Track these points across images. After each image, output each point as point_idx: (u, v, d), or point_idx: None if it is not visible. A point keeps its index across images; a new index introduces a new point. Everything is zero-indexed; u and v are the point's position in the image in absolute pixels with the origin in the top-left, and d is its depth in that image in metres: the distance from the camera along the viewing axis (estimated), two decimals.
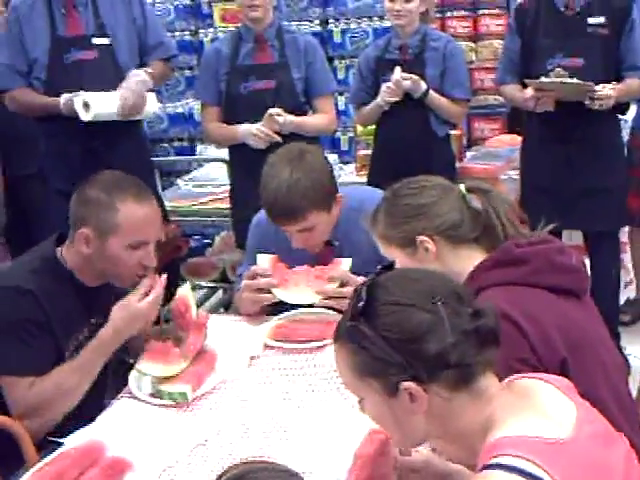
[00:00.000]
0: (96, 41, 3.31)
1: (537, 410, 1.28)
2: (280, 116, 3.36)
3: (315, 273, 2.47)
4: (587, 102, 3.28)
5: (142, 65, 3.43)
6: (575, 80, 3.27)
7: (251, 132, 3.41)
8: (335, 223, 2.50)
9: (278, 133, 3.39)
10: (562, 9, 3.42)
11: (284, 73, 3.50)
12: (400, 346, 1.29)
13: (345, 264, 2.45)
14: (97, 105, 3.19)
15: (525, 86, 3.48)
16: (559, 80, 3.30)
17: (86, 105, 3.19)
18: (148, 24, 3.44)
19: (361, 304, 1.33)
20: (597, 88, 3.25)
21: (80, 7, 3.33)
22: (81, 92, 3.19)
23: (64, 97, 3.22)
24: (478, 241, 1.86)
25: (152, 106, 3.42)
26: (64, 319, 2.15)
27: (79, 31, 3.33)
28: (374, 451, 1.61)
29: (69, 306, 2.18)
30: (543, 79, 3.33)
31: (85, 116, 3.18)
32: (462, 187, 1.91)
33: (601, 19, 3.36)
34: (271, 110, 3.37)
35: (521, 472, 1.17)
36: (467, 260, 1.83)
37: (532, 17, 3.48)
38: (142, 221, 2.18)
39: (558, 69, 3.32)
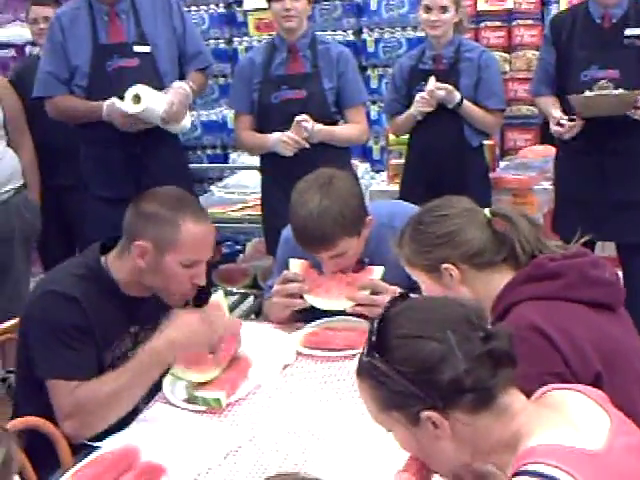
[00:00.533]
0: (137, 49, 3.35)
1: (569, 421, 1.28)
2: (307, 122, 3.38)
3: (347, 280, 2.48)
4: (630, 112, 3.25)
5: (181, 74, 3.47)
6: (621, 91, 3.23)
7: (280, 139, 3.43)
8: (367, 239, 2.49)
9: (308, 143, 3.41)
10: (598, 21, 3.40)
11: (315, 83, 3.52)
12: (414, 378, 1.31)
13: (377, 272, 2.45)
14: (148, 99, 3.21)
15: (561, 99, 3.46)
16: (605, 92, 3.26)
17: (137, 97, 3.21)
18: (187, 33, 3.48)
19: (373, 339, 1.36)
20: None
21: (123, 15, 3.38)
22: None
23: (107, 102, 3.26)
24: (506, 261, 1.85)
25: (187, 121, 3.46)
26: (105, 328, 2.16)
27: (121, 39, 3.37)
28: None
29: (111, 315, 2.19)
30: (588, 93, 3.29)
31: (133, 108, 3.19)
32: (487, 212, 1.91)
33: (637, 31, 3.33)
34: (298, 117, 3.39)
35: (550, 479, 1.17)
36: (494, 282, 1.82)
37: (568, 29, 3.45)
38: (200, 240, 2.19)
39: (602, 81, 3.30)
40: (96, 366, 2.14)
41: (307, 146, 3.39)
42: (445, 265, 1.84)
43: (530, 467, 1.20)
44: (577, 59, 3.40)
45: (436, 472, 1.48)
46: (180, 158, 3.63)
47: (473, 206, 1.93)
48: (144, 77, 3.32)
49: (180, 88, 3.32)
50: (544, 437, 1.25)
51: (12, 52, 5.31)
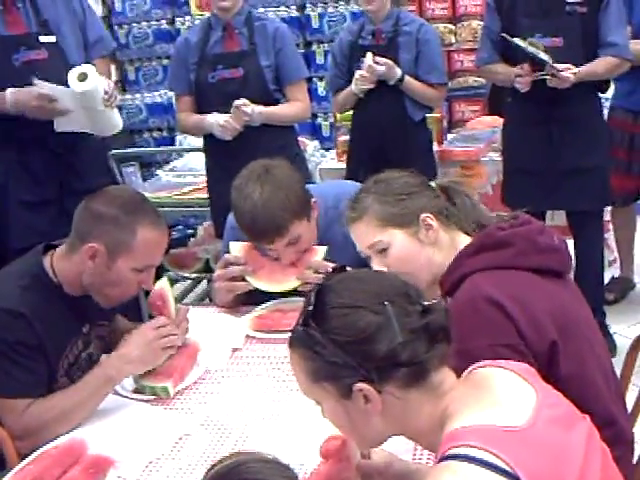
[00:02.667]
0: (43, 39, 3.12)
1: (493, 399, 1.28)
2: (247, 106, 3.32)
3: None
4: (547, 79, 3.28)
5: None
6: (542, 55, 3.25)
7: (218, 123, 3.36)
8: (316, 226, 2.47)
9: (249, 126, 3.35)
10: None
11: (252, 61, 3.44)
12: (350, 348, 1.30)
13: (320, 252, 2.43)
14: (95, 77, 2.99)
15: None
16: (530, 50, 3.27)
17: (84, 75, 2.99)
18: (87, 17, 3.28)
19: (310, 308, 1.34)
20: (559, 67, 3.23)
21: (19, 3, 3.12)
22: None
23: (11, 90, 2.99)
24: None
25: (119, 119, 3.25)
26: (56, 336, 2.10)
27: (21, 29, 3.12)
28: (335, 457, 1.61)
29: (60, 321, 2.13)
30: (517, 40, 3.29)
31: (81, 86, 2.96)
32: (433, 184, 1.93)
33: None
34: (237, 102, 3.31)
35: (476, 461, 1.17)
36: (458, 243, 1.83)
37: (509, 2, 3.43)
38: (154, 246, 2.14)
39: (534, 39, 3.30)
40: (46, 382, 2.09)
41: (242, 130, 3.33)
42: (424, 215, 1.82)
43: (455, 451, 1.19)
44: (521, 27, 3.39)
45: (358, 448, 1.48)
46: (103, 152, 3.49)
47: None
48: (55, 70, 3.09)
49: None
50: (469, 418, 1.25)
51: None
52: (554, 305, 1.70)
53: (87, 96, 3.00)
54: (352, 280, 1.41)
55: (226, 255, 2.49)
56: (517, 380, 1.33)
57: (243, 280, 2.45)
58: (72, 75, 2.98)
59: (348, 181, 2.60)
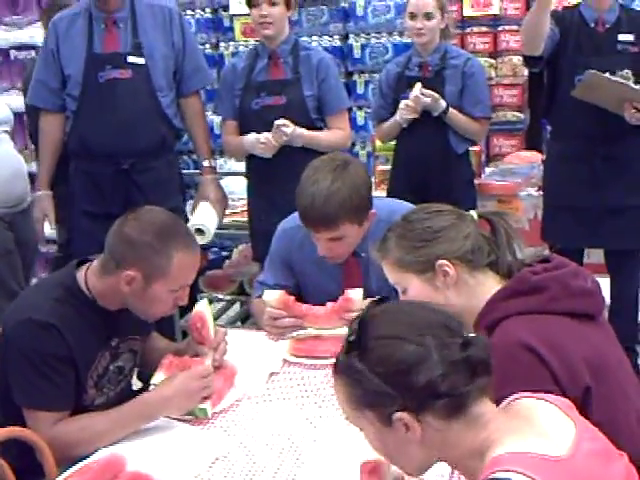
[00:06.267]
0: (131, 59, 3.29)
1: (535, 429, 1.30)
2: (287, 127, 3.36)
3: (331, 309, 2.49)
4: (627, 114, 3.24)
5: (178, 93, 3.45)
6: (635, 86, 3.21)
7: (259, 139, 3.41)
8: (364, 235, 2.50)
9: (291, 153, 3.40)
10: (592, 25, 3.38)
11: (295, 90, 3.49)
12: (390, 379, 1.32)
13: (356, 294, 2.46)
14: (211, 229, 3.38)
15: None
16: (622, 81, 3.23)
17: (200, 231, 3.32)
18: (187, 49, 3.43)
19: (352, 338, 1.37)
20: None
21: (121, 24, 3.32)
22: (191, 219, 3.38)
23: None
24: (491, 267, 1.85)
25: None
26: (86, 348, 2.14)
27: (115, 48, 3.32)
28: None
29: (90, 335, 2.16)
30: (608, 75, 3.24)
31: (199, 240, 3.13)
32: (473, 213, 1.91)
33: (630, 37, 3.34)
34: (277, 121, 3.35)
35: None
36: (484, 286, 1.81)
37: (560, 32, 3.40)
38: (190, 267, 2.17)
39: (627, 71, 3.28)
40: (73, 395, 2.12)
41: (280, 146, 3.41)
42: (440, 261, 1.80)
43: (498, 475, 1.21)
44: (570, 63, 3.38)
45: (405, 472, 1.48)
46: (172, 173, 3.57)
47: (459, 210, 1.93)
48: (137, 90, 3.30)
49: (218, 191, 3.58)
50: (512, 445, 1.26)
51: (32, 54, 5.24)
52: (588, 349, 1.69)
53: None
54: (394, 312, 1.43)
55: (269, 310, 2.53)
56: (557, 412, 1.35)
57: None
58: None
59: (403, 201, 2.63)
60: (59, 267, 2.50)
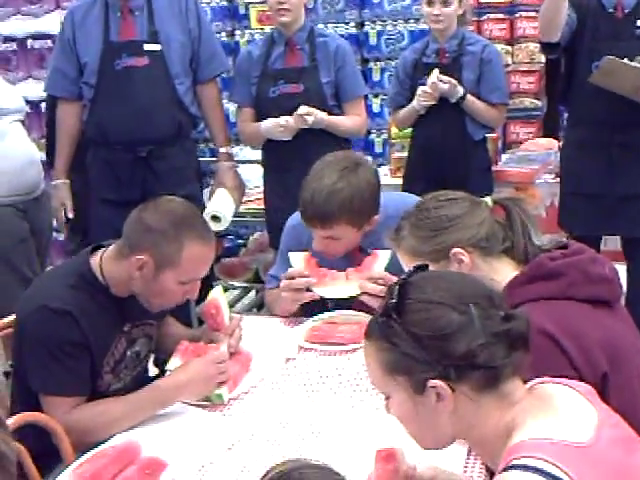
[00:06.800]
0: (148, 47, 3.31)
1: (559, 414, 1.29)
2: (309, 115, 3.37)
3: (353, 271, 2.48)
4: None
5: (195, 80, 3.46)
6: None
7: (278, 123, 3.41)
8: (371, 231, 2.49)
9: (307, 140, 3.41)
10: (611, 10, 3.34)
11: (312, 77, 3.50)
12: (429, 344, 1.31)
13: (383, 258, 2.43)
14: (227, 216, 3.40)
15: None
16: None
17: (216, 218, 3.34)
18: (203, 36, 3.43)
19: (393, 301, 1.35)
20: None
21: (137, 12, 3.33)
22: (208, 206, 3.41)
23: None
24: (507, 253, 1.85)
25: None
26: (101, 334, 2.15)
27: (132, 36, 3.33)
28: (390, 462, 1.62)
29: (105, 321, 2.17)
30: (626, 61, 3.21)
31: (214, 227, 3.19)
32: (488, 200, 1.91)
33: None
34: (300, 109, 3.37)
35: (543, 473, 1.17)
36: (500, 272, 1.81)
37: (578, 18, 3.36)
38: (202, 260, 2.17)
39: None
40: (89, 380, 2.13)
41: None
42: (455, 250, 1.80)
43: (523, 461, 1.20)
44: (588, 49, 3.35)
45: (421, 446, 1.45)
46: (190, 160, 3.57)
47: (473, 196, 1.93)
48: (154, 77, 3.31)
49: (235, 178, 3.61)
50: (535, 430, 1.25)
51: (14, 46, 5.29)
52: (605, 336, 1.69)
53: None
54: (436, 278, 1.43)
55: (290, 269, 2.52)
56: (579, 398, 1.34)
57: (308, 290, 2.48)
58: (205, 218, 3.10)
59: (411, 194, 2.62)
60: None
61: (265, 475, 1.24)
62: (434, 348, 1.30)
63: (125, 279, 2.16)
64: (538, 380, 1.40)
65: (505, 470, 1.22)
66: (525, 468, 1.19)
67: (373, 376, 1.41)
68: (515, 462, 1.21)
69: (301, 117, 3.37)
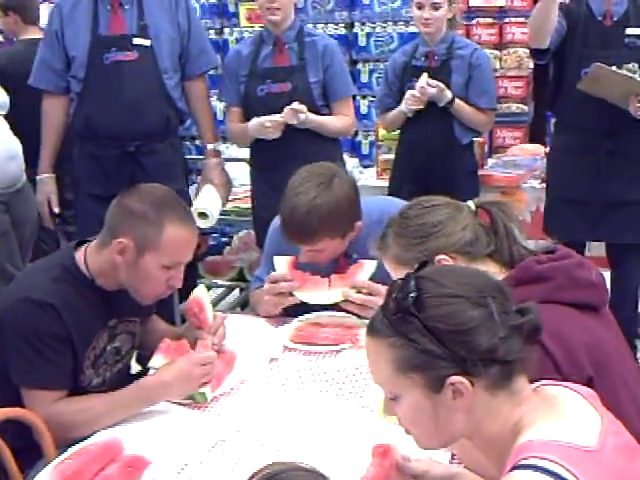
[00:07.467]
0: (137, 41, 3.29)
1: (565, 416, 1.28)
2: (302, 113, 3.36)
3: (336, 277, 2.48)
4: (632, 108, 3.22)
5: (183, 76, 3.45)
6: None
7: (263, 124, 3.40)
8: (356, 237, 2.49)
9: (295, 138, 3.40)
10: (600, 18, 3.36)
11: (300, 76, 3.49)
12: (450, 339, 1.27)
13: (368, 268, 2.44)
14: (214, 212, 3.38)
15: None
16: (628, 74, 3.22)
17: (203, 215, 3.33)
18: (192, 31, 3.42)
19: (412, 295, 1.30)
20: None
21: (126, 6, 3.31)
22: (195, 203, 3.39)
23: None
24: (492, 256, 1.85)
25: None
26: (84, 328, 2.13)
27: (121, 30, 3.31)
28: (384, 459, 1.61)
29: (88, 314, 2.15)
30: (614, 68, 3.22)
31: (201, 224, 3.23)
32: (471, 204, 1.91)
33: (638, 30, 3.32)
34: (294, 105, 3.35)
35: (552, 474, 1.17)
36: None
37: (568, 25, 3.38)
38: (182, 243, 2.15)
39: (633, 64, 3.26)
40: (70, 374, 2.11)
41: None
42: (439, 257, 1.80)
43: (531, 461, 1.19)
44: (577, 56, 3.37)
45: (422, 446, 1.41)
46: (177, 157, 3.57)
47: (456, 201, 1.92)
48: (142, 72, 3.29)
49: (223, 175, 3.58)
50: (544, 431, 1.24)
51: (1, 38, 5.27)
52: (590, 340, 1.69)
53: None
54: (450, 272, 1.41)
55: (273, 273, 2.52)
56: (583, 402, 1.33)
57: (290, 295, 2.48)
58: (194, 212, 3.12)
59: (395, 198, 2.62)
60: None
61: (251, 477, 1.23)
62: (457, 343, 1.27)
63: (109, 268, 2.14)
64: (544, 382, 1.39)
65: (514, 469, 1.21)
66: (535, 468, 1.18)
67: (380, 375, 1.36)
68: (524, 462, 1.20)
69: (295, 112, 3.35)
